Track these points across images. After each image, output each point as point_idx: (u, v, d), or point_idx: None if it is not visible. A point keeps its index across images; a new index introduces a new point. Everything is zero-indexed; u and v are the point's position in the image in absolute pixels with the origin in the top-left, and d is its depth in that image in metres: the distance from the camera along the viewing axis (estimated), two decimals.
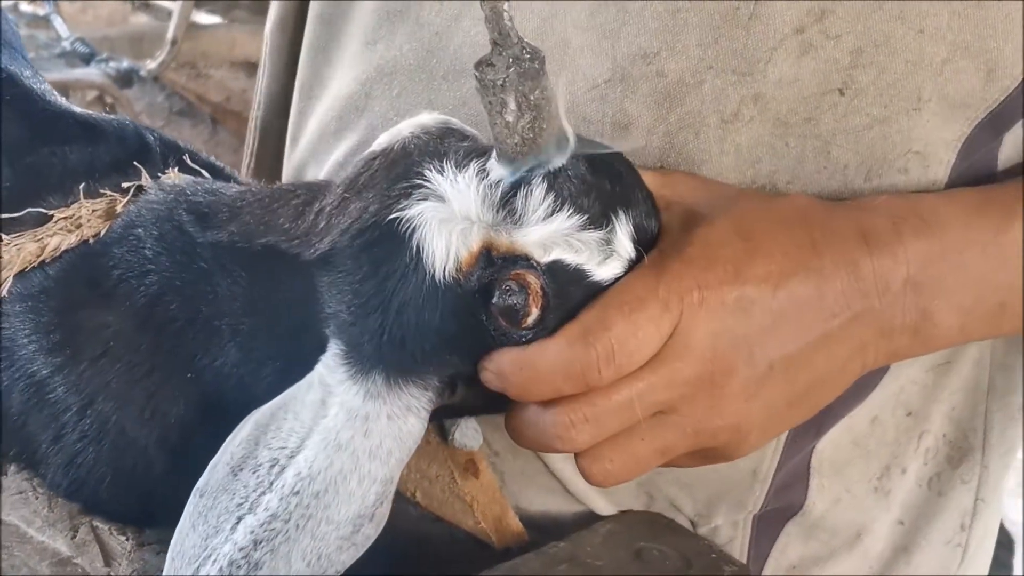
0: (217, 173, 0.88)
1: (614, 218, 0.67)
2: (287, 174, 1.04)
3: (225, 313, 0.76)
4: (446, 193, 0.67)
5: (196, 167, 0.85)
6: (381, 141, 0.74)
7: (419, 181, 0.68)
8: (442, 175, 0.68)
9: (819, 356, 0.70)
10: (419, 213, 0.67)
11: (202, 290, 0.76)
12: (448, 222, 0.66)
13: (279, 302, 0.75)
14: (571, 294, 0.67)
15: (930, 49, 0.74)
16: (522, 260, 0.66)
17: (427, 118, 0.73)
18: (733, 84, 0.75)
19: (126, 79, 3.06)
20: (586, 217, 0.66)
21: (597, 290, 0.67)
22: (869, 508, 0.90)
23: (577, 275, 0.67)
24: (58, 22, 3.24)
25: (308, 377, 0.71)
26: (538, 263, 0.66)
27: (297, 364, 0.72)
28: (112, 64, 3.11)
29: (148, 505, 0.80)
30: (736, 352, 0.67)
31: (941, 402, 0.89)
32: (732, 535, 0.90)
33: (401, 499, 0.73)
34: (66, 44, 3.16)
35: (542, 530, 0.87)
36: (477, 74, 0.63)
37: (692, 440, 0.70)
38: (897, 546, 0.92)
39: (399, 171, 0.69)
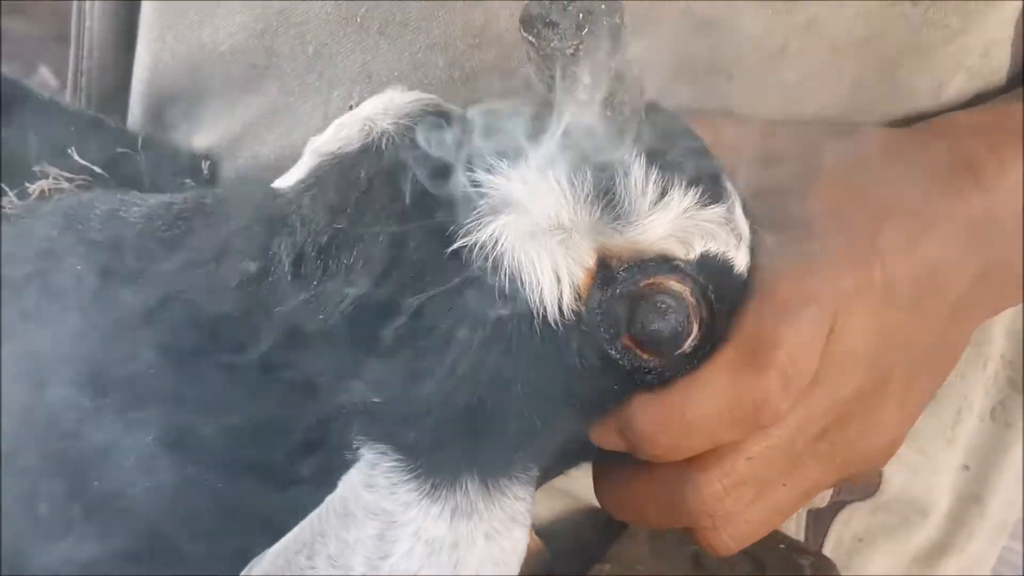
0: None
1: (726, 184, 0.50)
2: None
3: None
4: (519, 197, 0.46)
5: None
6: (334, 138, 0.52)
7: (474, 189, 0.46)
8: (499, 172, 0.46)
9: (952, 330, 0.57)
10: (497, 231, 0.46)
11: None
12: (540, 236, 0.46)
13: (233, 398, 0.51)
14: (724, 298, 0.49)
15: None
16: (655, 263, 0.47)
17: (400, 97, 0.52)
18: (781, 13, 0.60)
19: None
20: (701, 188, 0.48)
21: (738, 289, 0.50)
22: (940, 464, 0.78)
23: (724, 269, 0.49)
24: None
25: (324, 509, 0.48)
26: (684, 261, 0.47)
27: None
28: None
29: None
30: (893, 349, 0.53)
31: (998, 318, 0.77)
32: None
33: None
34: None
35: (557, 539, 0.70)
36: (531, 39, 0.44)
37: (840, 473, 0.55)
38: (966, 496, 0.79)
39: (427, 183, 0.48)
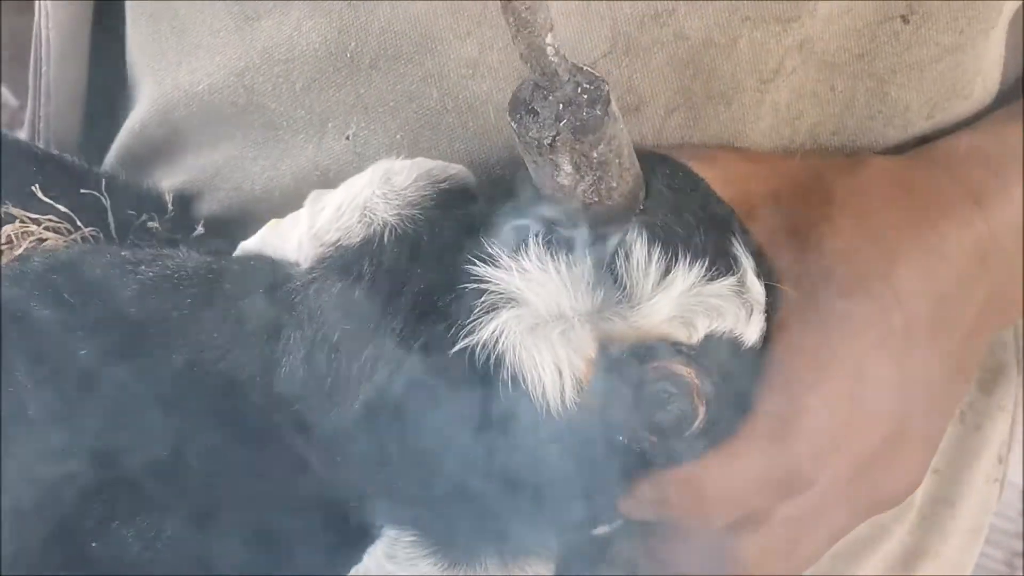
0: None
1: (738, 252, 0.51)
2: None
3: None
4: (519, 289, 0.47)
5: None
6: (335, 225, 0.52)
7: (474, 284, 0.47)
8: (497, 265, 0.47)
9: (966, 356, 0.59)
10: (498, 329, 0.47)
11: None
12: (541, 329, 0.47)
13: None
14: (731, 375, 0.50)
15: None
16: (657, 349, 0.48)
17: (398, 175, 0.51)
18: (776, 35, 0.59)
19: None
20: (707, 261, 0.49)
21: (753, 359, 0.51)
22: None
23: (731, 347, 0.50)
24: None
25: None
26: (686, 345, 0.48)
27: None
28: None
29: None
30: (914, 391, 0.55)
31: None
32: None
33: None
34: None
35: None
36: (514, 126, 0.45)
37: (867, 515, 0.58)
38: (936, 499, 0.80)
39: (428, 278, 0.49)
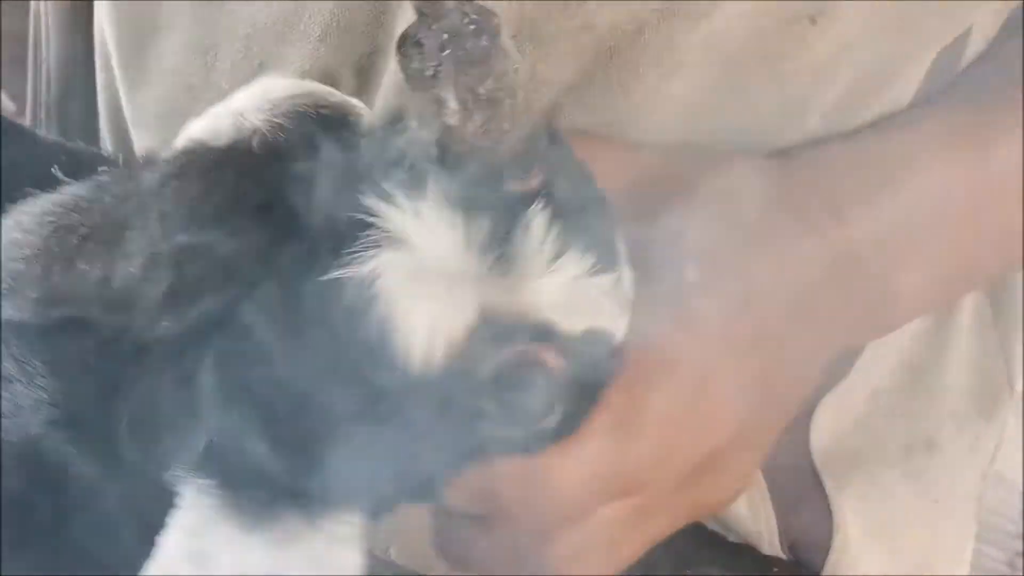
0: None
1: (618, 247, 0.48)
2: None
3: None
4: (410, 234, 0.42)
5: None
6: (201, 129, 0.47)
7: (361, 215, 0.42)
8: (390, 201, 0.43)
9: (811, 364, 0.59)
10: (378, 267, 0.42)
11: None
12: (422, 280, 0.43)
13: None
14: (596, 369, 0.47)
15: None
16: (535, 332, 0.45)
17: (278, 87, 0.48)
18: (684, 31, 0.58)
19: None
20: (596, 253, 0.46)
21: (610, 356, 0.48)
22: (903, 497, 0.75)
23: (601, 342, 0.47)
24: None
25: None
26: (565, 335, 0.45)
27: None
28: None
29: None
30: (756, 397, 0.53)
31: (951, 348, 0.74)
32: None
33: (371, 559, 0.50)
34: None
35: None
36: (398, 59, 0.42)
37: (686, 520, 0.55)
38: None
39: (300, 196, 0.44)
